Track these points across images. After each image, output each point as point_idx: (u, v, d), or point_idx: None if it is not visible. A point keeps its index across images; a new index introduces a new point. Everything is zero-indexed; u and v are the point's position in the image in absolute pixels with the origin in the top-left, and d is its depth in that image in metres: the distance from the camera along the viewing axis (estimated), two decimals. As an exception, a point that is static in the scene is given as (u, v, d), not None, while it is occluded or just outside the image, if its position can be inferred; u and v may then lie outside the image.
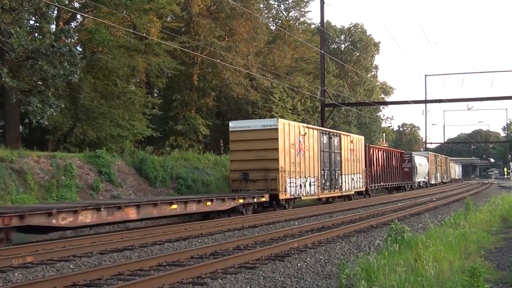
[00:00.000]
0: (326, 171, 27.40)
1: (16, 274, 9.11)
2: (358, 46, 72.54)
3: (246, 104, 40.14)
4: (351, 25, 75.40)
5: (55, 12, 26.46)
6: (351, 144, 31.51)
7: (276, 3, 51.73)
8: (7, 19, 20.26)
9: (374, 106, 71.31)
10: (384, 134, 76.60)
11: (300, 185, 24.27)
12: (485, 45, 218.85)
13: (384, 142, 73.83)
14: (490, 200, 24.58)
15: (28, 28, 23.50)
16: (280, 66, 44.08)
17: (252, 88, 39.68)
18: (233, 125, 23.90)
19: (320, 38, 39.92)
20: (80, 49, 28.27)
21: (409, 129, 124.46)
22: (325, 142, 27.57)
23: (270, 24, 49.38)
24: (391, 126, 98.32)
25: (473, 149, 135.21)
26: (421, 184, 54.37)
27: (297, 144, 24.06)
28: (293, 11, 52.77)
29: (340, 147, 29.61)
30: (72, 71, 20.91)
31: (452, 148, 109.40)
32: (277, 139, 22.57)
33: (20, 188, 18.01)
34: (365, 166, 34.45)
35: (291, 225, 16.77)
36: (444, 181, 70.31)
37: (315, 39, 49.63)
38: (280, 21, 50.84)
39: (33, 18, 24.31)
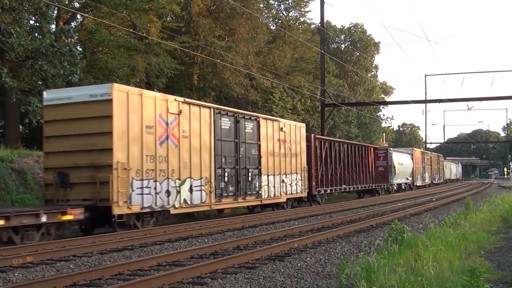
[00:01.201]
0: (227, 169, 19.31)
1: (16, 274, 9.11)
2: (358, 46, 72.52)
3: (246, 104, 40.14)
4: (351, 25, 75.42)
5: (55, 12, 26.49)
6: (281, 133, 23.71)
7: (276, 3, 51.73)
8: (7, 19, 20.29)
9: (374, 106, 71.27)
10: (384, 134, 76.54)
11: (167, 191, 16.28)
12: (485, 45, 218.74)
13: (384, 142, 73.59)
14: (490, 200, 24.58)
15: (28, 28, 23.53)
16: (280, 66, 44.09)
17: (252, 88, 39.69)
18: (48, 96, 15.64)
19: (320, 38, 39.92)
20: (80, 49, 28.31)
21: (409, 129, 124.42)
22: (226, 127, 19.58)
23: (270, 24, 49.38)
24: (391, 126, 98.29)
25: (473, 149, 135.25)
26: (403, 187, 46.23)
27: (160, 128, 16.19)
28: (293, 11, 52.77)
29: (259, 136, 21.65)
30: (72, 71, 20.95)
31: (452, 148, 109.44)
32: (110, 117, 14.47)
33: (20, 188, 18.03)
34: (311, 164, 26.92)
35: (291, 225, 16.77)
36: (435, 182, 63.93)
37: (315, 39, 49.63)
38: (280, 21, 50.83)
39: (33, 18, 24.34)
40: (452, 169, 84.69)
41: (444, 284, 7.29)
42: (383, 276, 7.51)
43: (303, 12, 52.79)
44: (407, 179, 47.32)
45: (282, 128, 23.77)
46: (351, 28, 74.93)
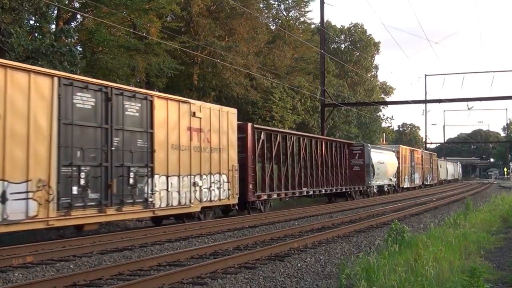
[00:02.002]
0: (85, 168, 13.40)
1: (16, 274, 9.11)
2: (358, 46, 72.53)
3: (246, 104, 40.13)
4: (351, 25, 75.44)
5: (55, 12, 26.46)
6: (194, 120, 17.49)
7: (276, 3, 51.73)
8: (7, 19, 20.28)
9: (374, 106, 71.29)
10: (384, 134, 76.55)
11: None
12: (485, 45, 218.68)
13: (384, 142, 73.56)
14: (490, 200, 24.58)
15: (28, 28, 23.51)
16: (280, 66, 44.09)
17: (252, 88, 39.69)
18: None
19: (320, 38, 39.92)
20: (80, 49, 28.28)
21: (409, 129, 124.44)
22: (86, 106, 13.65)
23: (270, 24, 49.38)
24: (391, 126, 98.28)
25: (473, 149, 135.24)
26: (386, 189, 40.33)
27: None
28: (293, 11, 52.77)
29: (152, 122, 15.70)
30: (72, 71, 20.91)
31: (452, 148, 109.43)
32: None
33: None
34: (247, 161, 20.91)
35: (291, 225, 16.77)
36: (428, 183, 58.02)
37: (315, 39, 49.63)
38: (280, 21, 50.83)
39: (33, 18, 24.30)
40: (449, 169, 79.95)
41: (444, 284, 7.29)
42: (383, 276, 7.52)
43: (303, 12, 52.82)
44: (391, 180, 41.09)
45: (194, 113, 17.48)
46: (351, 28, 74.94)
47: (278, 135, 24.81)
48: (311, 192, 27.52)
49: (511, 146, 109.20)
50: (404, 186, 45.83)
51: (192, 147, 17.28)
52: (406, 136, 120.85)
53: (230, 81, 36.72)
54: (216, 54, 34.56)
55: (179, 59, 34.29)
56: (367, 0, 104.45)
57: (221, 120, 19.30)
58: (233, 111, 20.82)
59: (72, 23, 28.58)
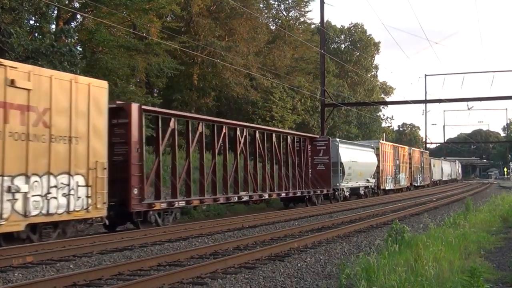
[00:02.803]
0: None
1: (16, 274, 9.11)
2: (358, 46, 72.57)
3: (246, 104, 40.17)
4: (351, 25, 75.51)
5: (55, 12, 26.48)
6: (16, 92, 11.81)
7: (276, 3, 51.82)
8: (7, 19, 20.29)
9: (374, 106, 71.31)
10: (384, 134, 76.59)
11: None
12: (485, 45, 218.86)
13: (384, 142, 73.38)
14: (490, 200, 24.58)
15: (28, 28, 23.52)
16: (280, 66, 44.13)
17: (252, 88, 39.73)
18: None
19: (320, 38, 39.93)
20: (80, 49, 28.30)
21: (409, 129, 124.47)
22: None
23: (270, 24, 49.42)
24: (391, 126, 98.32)
25: (473, 149, 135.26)
26: (362, 191, 33.93)
27: None
28: (293, 11, 52.86)
29: None
30: (72, 71, 20.91)
31: (452, 148, 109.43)
32: None
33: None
34: (130, 157, 15.22)
35: (291, 225, 16.77)
36: (417, 184, 51.55)
37: (315, 39, 49.66)
38: (280, 21, 50.87)
39: (33, 18, 24.32)
40: (445, 168, 73.97)
41: (444, 284, 7.29)
42: (383, 276, 7.51)
43: (303, 12, 52.91)
44: (368, 181, 34.68)
45: (14, 81, 11.70)
46: (351, 28, 74.99)
47: (200, 123, 18.96)
48: (245, 198, 20.65)
49: (511, 146, 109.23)
50: (387, 188, 39.18)
51: (6, 133, 11.51)
52: (406, 136, 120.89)
53: (230, 81, 36.75)
54: (216, 54, 34.58)
55: (179, 59, 34.31)
56: (367, 0, 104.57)
57: (75, 96, 13.24)
58: (98, 84, 14.46)
59: (72, 23, 28.61)
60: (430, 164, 59.95)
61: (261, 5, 47.07)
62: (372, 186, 36.18)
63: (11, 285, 7.98)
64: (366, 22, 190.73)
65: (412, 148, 53.05)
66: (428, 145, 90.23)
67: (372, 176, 35.88)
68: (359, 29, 74.57)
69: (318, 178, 27.33)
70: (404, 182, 45.03)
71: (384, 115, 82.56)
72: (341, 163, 29.67)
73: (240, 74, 36.81)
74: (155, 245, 12.44)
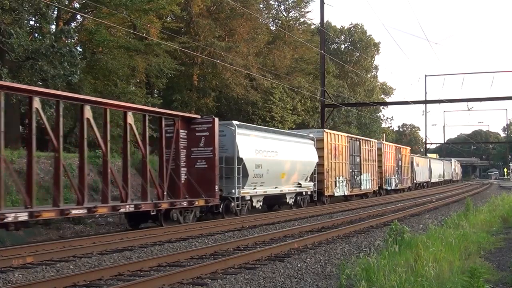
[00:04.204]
0: None
1: (16, 275, 9.11)
2: (358, 46, 72.58)
3: (246, 105, 40.18)
4: (351, 25, 75.47)
5: (55, 12, 26.49)
6: None
7: (276, 3, 51.81)
8: (7, 19, 20.30)
9: (374, 107, 71.29)
10: (384, 134, 76.59)
11: None
12: (485, 45, 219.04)
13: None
14: (490, 201, 24.59)
15: (28, 29, 23.54)
16: (280, 67, 44.14)
17: (252, 89, 39.73)
18: None
19: (320, 38, 39.94)
20: (80, 50, 28.31)
21: (409, 129, 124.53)
22: None
23: (270, 24, 49.45)
24: (391, 126, 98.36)
25: (473, 150, 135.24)
26: (289, 200, 24.28)
27: None
28: (293, 11, 52.84)
29: None
30: (72, 72, 20.96)
31: (452, 148, 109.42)
32: None
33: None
34: None
35: (291, 226, 16.78)
36: (392, 187, 41.12)
37: (315, 40, 49.67)
38: (280, 21, 50.90)
39: (33, 19, 24.34)
40: (435, 168, 63.96)
41: (444, 285, 7.29)
42: (383, 277, 7.52)
43: (303, 13, 52.90)
44: (299, 185, 24.76)
45: None
46: (351, 29, 74.99)
47: None
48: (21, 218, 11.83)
49: (511, 146, 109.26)
50: (336, 194, 28.95)
51: None
52: (406, 137, 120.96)
53: (230, 82, 36.76)
54: (216, 55, 34.59)
55: (179, 60, 34.33)
56: (367, 1, 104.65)
57: None
58: None
59: (72, 24, 28.62)
60: (412, 163, 49.62)
61: (261, 6, 47.09)
62: (309, 192, 25.82)
63: (11, 286, 7.99)
64: (366, 23, 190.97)
65: (384, 142, 41.54)
66: (428, 146, 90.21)
67: (308, 179, 25.80)
68: (359, 30, 74.58)
69: (196, 182, 17.78)
70: (368, 185, 34.25)
71: (384, 115, 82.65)
72: (240, 159, 19.68)
73: (240, 74, 36.82)
74: (155, 246, 12.44)
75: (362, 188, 33.35)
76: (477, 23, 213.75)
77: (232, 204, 19.64)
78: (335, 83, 56.02)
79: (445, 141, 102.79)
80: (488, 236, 13.32)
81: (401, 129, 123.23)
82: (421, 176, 55.28)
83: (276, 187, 22.78)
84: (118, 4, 26.53)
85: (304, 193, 25.50)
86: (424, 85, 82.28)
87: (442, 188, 57.07)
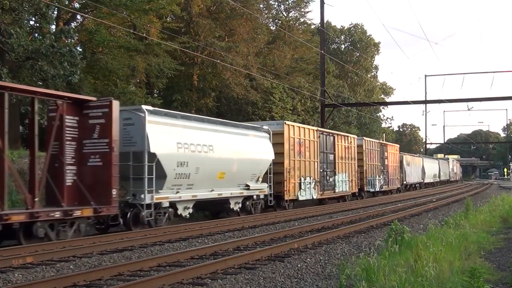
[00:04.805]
0: None
1: (16, 275, 9.11)
2: (358, 46, 72.61)
3: (246, 105, 40.19)
4: (351, 25, 75.54)
5: (55, 12, 26.50)
6: None
7: (276, 3, 51.82)
8: (7, 19, 20.31)
9: (374, 107, 71.29)
10: (384, 134, 76.53)
11: None
12: (485, 45, 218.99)
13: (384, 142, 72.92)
14: (490, 201, 24.59)
15: (28, 29, 23.54)
16: (280, 67, 44.15)
17: (252, 89, 39.74)
18: None
19: (320, 38, 39.95)
20: (80, 50, 28.31)
21: (409, 129, 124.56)
22: None
23: (270, 25, 49.46)
24: (391, 126, 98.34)
25: (473, 150, 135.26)
26: (234, 207, 19.98)
27: None
28: (293, 11, 52.86)
29: None
30: (72, 72, 20.96)
31: (452, 148, 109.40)
32: None
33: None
34: None
35: (291, 226, 16.77)
36: (375, 190, 36.26)
37: (315, 40, 49.68)
38: (280, 22, 50.90)
39: (33, 19, 24.35)
40: (429, 168, 58.94)
41: (444, 285, 7.29)
42: (383, 277, 7.52)
43: (303, 13, 52.93)
44: (247, 188, 20.42)
45: None
46: (351, 29, 75.04)
47: None
48: None
49: (511, 146, 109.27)
50: (301, 198, 24.28)
51: None
52: (406, 137, 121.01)
53: (230, 82, 36.76)
54: (216, 55, 34.60)
55: (179, 60, 34.34)
56: (367, 1, 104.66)
57: None
58: None
59: (72, 24, 28.63)
60: (401, 162, 45.25)
61: (261, 6, 47.09)
62: (262, 196, 21.45)
63: (11, 286, 7.99)
64: (366, 23, 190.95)
65: (366, 138, 36.47)
66: (428, 146, 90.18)
67: (261, 179, 21.40)
68: (359, 30, 74.62)
69: (88, 185, 13.86)
70: (344, 187, 29.78)
71: (384, 115, 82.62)
72: (152, 155, 15.44)
73: (240, 74, 36.82)
74: (155, 246, 12.44)
75: (337, 190, 28.73)
76: (477, 23, 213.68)
77: (143, 213, 15.16)
78: (335, 83, 56.03)
79: (445, 141, 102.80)
80: (488, 236, 13.32)
81: (401, 129, 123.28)
82: (413, 176, 50.72)
83: (211, 190, 18.23)
84: (118, 4, 26.53)
85: (255, 197, 20.96)
86: (424, 85, 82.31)
87: (431, 190, 50.00)
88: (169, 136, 16.36)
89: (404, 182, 46.68)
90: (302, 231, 14.87)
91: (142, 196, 15.21)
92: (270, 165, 21.72)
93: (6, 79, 19.01)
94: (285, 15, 52.80)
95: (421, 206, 24.89)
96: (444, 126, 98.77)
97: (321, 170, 26.53)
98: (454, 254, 9.58)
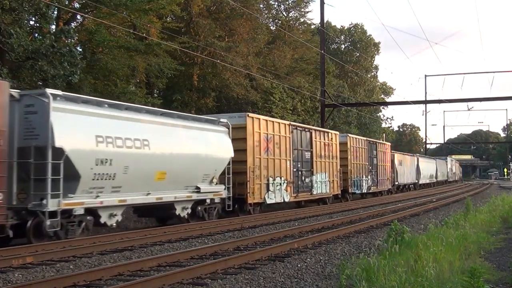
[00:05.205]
0: None
1: (16, 275, 9.11)
2: (358, 46, 72.60)
3: (246, 105, 40.17)
4: (351, 25, 75.52)
5: (55, 12, 26.48)
6: None
7: (276, 3, 51.80)
8: (7, 19, 20.29)
9: (374, 107, 71.27)
10: (384, 134, 76.43)
11: None
12: (485, 45, 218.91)
13: (384, 142, 72.81)
14: (490, 201, 24.60)
15: (28, 29, 23.52)
16: (280, 67, 44.14)
17: (252, 89, 39.73)
18: None
19: (320, 38, 39.94)
20: (80, 50, 28.29)
21: (409, 129, 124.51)
22: None
23: (270, 24, 49.44)
24: (391, 126, 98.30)
25: (473, 150, 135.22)
26: (180, 212, 16.95)
27: None
28: (293, 11, 52.82)
29: None
30: (72, 72, 20.95)
31: (452, 148, 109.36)
32: None
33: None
34: None
35: (291, 226, 16.77)
36: (362, 191, 33.63)
37: (315, 39, 49.66)
38: (280, 21, 50.89)
39: (33, 19, 24.32)
40: (424, 167, 56.26)
41: (444, 285, 7.29)
42: (383, 277, 7.52)
43: (303, 13, 52.88)
44: (198, 190, 17.54)
45: None
46: (351, 29, 75.04)
47: None
48: None
49: (511, 146, 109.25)
50: (268, 202, 21.64)
51: None
52: (406, 137, 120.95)
53: (230, 82, 36.75)
54: (216, 55, 34.59)
55: (179, 60, 34.31)
56: (367, 1, 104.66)
57: None
58: None
59: (72, 24, 28.59)
60: (393, 161, 42.40)
61: (261, 6, 47.06)
62: (218, 200, 18.56)
63: (11, 286, 7.99)
64: (366, 23, 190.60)
65: (350, 135, 33.73)
66: (428, 146, 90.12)
67: (216, 181, 18.42)
68: (359, 30, 74.62)
69: None
70: (324, 188, 26.82)
71: (384, 115, 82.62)
72: (58, 150, 12.65)
73: (240, 74, 36.81)
74: (155, 246, 12.44)
75: (315, 192, 25.81)
76: (477, 23, 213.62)
77: (47, 222, 12.22)
78: (335, 83, 56.02)
79: (445, 141, 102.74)
80: (488, 236, 13.32)
81: (401, 129, 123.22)
82: (406, 176, 47.73)
83: (147, 194, 15.39)
84: (118, 4, 26.51)
85: (208, 201, 18.04)
86: (424, 85, 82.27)
87: (423, 191, 46.75)
88: (85, 128, 13.34)
89: (396, 183, 43.94)
90: (302, 231, 14.87)
91: (44, 201, 12.22)
92: (229, 163, 18.86)
93: (6, 79, 19.00)
94: (285, 15, 52.79)
95: (421, 206, 24.90)
96: (444, 126, 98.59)
97: (294, 170, 23.86)
98: (454, 254, 9.58)
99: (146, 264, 9.62)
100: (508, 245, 12.35)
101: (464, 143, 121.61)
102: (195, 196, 17.34)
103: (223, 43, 36.80)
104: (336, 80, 58.27)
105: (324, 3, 36.96)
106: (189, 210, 17.27)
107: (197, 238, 13.94)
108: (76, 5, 28.92)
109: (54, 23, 26.76)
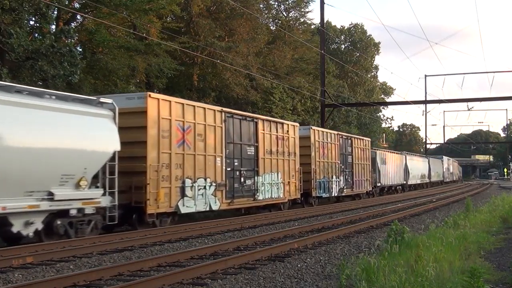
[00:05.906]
0: None
1: (16, 275, 9.11)
2: (358, 46, 72.57)
3: (246, 105, 40.15)
4: (351, 25, 75.45)
5: (55, 12, 26.48)
6: None
7: (276, 3, 51.76)
8: (7, 19, 20.29)
9: (374, 107, 71.23)
10: (384, 134, 76.35)
11: None
12: (485, 45, 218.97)
13: (384, 142, 72.83)
14: (490, 201, 24.60)
15: (28, 29, 23.53)
16: (280, 67, 44.11)
17: (252, 89, 39.72)
18: None
19: (320, 38, 39.94)
20: (80, 50, 28.29)
21: (409, 129, 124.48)
22: None
23: (270, 25, 49.41)
24: (391, 126, 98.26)
25: (473, 150, 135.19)
26: (33, 230, 12.17)
27: None
28: (293, 11, 52.77)
29: None
30: (72, 72, 20.95)
31: (452, 148, 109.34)
32: None
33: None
34: None
35: (291, 226, 16.77)
36: (333, 194, 29.23)
37: (315, 39, 49.64)
38: (280, 21, 50.86)
39: (33, 19, 24.32)
40: (413, 167, 50.93)
41: (444, 285, 7.29)
42: (383, 277, 7.52)
43: (303, 13, 52.81)
44: (51, 197, 12.37)
45: None
46: (351, 29, 74.98)
47: None
48: None
49: (511, 146, 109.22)
50: (183, 211, 17.02)
51: None
52: (406, 137, 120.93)
53: (230, 82, 36.74)
54: (216, 55, 34.57)
55: (179, 60, 34.30)
56: (367, 1, 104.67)
57: None
58: None
59: (72, 24, 28.59)
60: (374, 159, 37.40)
61: (261, 6, 47.01)
62: (92, 211, 13.52)
63: (11, 286, 7.98)
64: (366, 23, 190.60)
65: (314, 127, 28.33)
66: (428, 146, 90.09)
67: (88, 183, 13.46)
68: (359, 30, 74.57)
69: None
70: (275, 192, 22.35)
71: (384, 115, 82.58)
72: None
73: (240, 74, 36.80)
74: (155, 246, 12.44)
75: (260, 197, 21.19)
76: (477, 23, 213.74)
77: None
78: (335, 83, 55.99)
79: (445, 141, 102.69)
80: (488, 236, 13.32)
81: (401, 129, 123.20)
82: (391, 177, 42.31)
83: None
84: (118, 4, 26.51)
85: (74, 212, 13.07)
86: (424, 85, 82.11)
87: (411, 193, 42.17)
88: None
89: (378, 184, 38.66)
90: (302, 231, 14.87)
91: None
92: (114, 159, 14.05)
93: (6, 79, 19.00)
94: (285, 15, 52.75)
95: (421, 206, 24.90)
96: (444, 126, 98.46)
97: (229, 169, 19.30)
98: (454, 254, 9.59)
99: (146, 264, 9.62)
100: (508, 245, 12.35)
101: (464, 143, 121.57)
102: (45, 206, 12.36)
103: (223, 43, 36.79)
104: (336, 80, 58.25)
105: (324, 3, 36.97)
106: (38, 226, 12.38)
107: (197, 238, 13.94)
108: (76, 5, 28.92)
109: (54, 23, 26.76)
